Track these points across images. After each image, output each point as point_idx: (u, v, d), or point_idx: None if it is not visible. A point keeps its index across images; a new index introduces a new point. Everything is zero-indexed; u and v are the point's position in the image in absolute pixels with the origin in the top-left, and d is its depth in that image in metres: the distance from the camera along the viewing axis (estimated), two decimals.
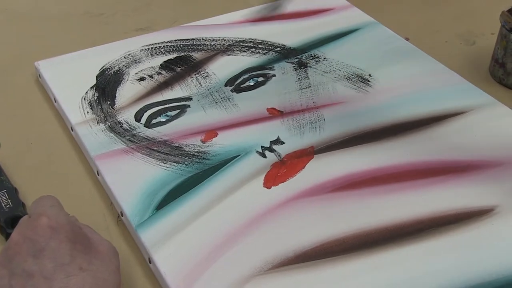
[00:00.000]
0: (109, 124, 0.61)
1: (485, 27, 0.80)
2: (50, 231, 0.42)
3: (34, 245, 0.41)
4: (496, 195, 0.54)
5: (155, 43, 0.73)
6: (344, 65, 0.70)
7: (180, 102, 0.65)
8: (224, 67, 0.69)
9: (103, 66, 0.69)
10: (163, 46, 0.72)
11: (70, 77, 0.67)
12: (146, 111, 0.63)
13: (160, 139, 0.60)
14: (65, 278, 0.40)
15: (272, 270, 0.48)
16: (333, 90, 0.66)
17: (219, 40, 0.74)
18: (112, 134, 0.60)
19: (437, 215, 0.52)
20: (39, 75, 0.69)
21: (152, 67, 0.69)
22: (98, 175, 0.57)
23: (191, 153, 0.58)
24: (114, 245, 0.45)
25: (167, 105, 0.64)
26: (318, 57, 0.71)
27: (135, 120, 0.62)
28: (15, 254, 0.41)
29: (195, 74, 0.68)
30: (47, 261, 0.41)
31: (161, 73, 0.68)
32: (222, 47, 0.72)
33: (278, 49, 0.73)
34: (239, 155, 0.58)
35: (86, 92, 0.65)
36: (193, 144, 0.59)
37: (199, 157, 0.58)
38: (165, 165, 0.57)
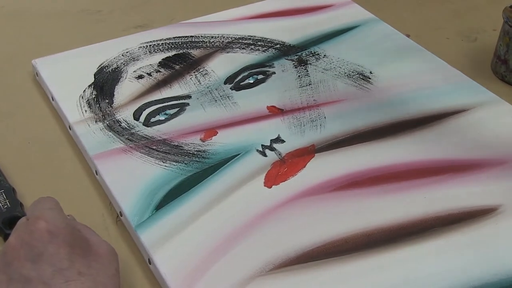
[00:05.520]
0: (107, 122, 0.61)
1: (486, 23, 0.79)
2: (48, 236, 0.41)
3: (31, 250, 0.41)
4: (499, 194, 0.53)
5: (153, 41, 0.72)
6: (344, 62, 0.69)
7: (179, 100, 0.64)
8: (223, 65, 0.69)
9: (101, 64, 0.68)
10: (162, 43, 0.72)
11: (67, 75, 0.67)
12: (144, 110, 0.62)
13: (159, 138, 0.59)
14: (64, 283, 0.40)
15: (273, 270, 0.47)
16: (333, 88, 0.66)
17: (218, 37, 0.73)
18: (110, 133, 0.59)
19: (440, 214, 0.51)
20: (37, 73, 0.68)
21: (150, 65, 0.68)
22: (97, 174, 0.56)
23: (191, 152, 0.58)
24: (113, 246, 0.45)
25: (166, 104, 0.63)
26: (318, 54, 0.71)
27: (134, 119, 0.61)
28: (13, 259, 0.41)
29: (194, 72, 0.68)
30: (45, 266, 0.40)
31: (159, 71, 0.68)
32: (221, 45, 0.72)
33: (278, 46, 0.72)
34: (239, 154, 0.57)
35: (84, 90, 0.65)
36: (193, 143, 0.59)
37: (198, 156, 0.57)
38: (165, 164, 0.56)
